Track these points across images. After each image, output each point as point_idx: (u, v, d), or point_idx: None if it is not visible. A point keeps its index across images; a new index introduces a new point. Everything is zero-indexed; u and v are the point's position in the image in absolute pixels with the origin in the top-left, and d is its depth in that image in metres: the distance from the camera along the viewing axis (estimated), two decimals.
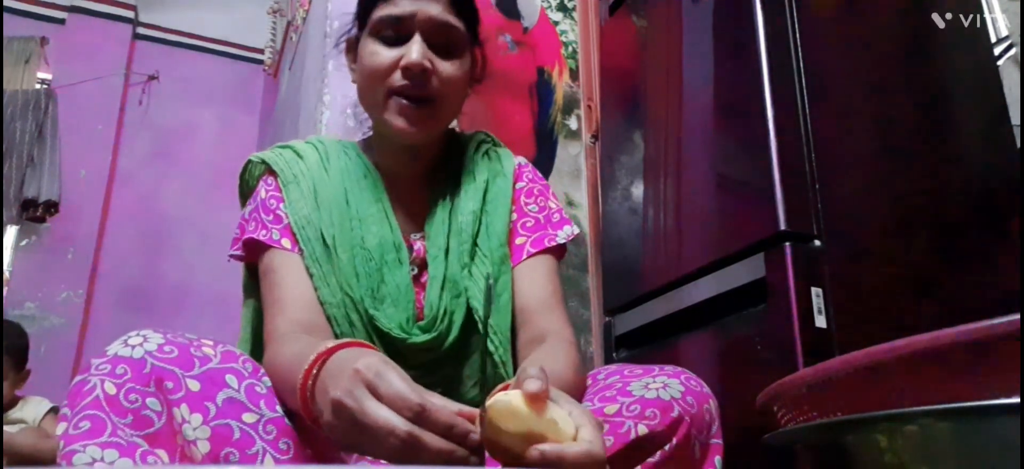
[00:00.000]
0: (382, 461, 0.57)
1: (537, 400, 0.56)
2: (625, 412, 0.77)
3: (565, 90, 2.44)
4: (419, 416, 0.53)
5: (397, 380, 0.55)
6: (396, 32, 0.89)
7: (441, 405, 0.55)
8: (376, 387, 0.55)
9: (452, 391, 0.89)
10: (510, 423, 0.56)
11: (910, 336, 0.56)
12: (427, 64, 0.88)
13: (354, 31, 0.98)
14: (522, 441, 0.56)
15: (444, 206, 0.95)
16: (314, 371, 0.63)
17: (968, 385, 0.52)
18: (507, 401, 0.57)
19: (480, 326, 0.89)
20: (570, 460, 0.54)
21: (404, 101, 0.88)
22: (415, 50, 0.87)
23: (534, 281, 0.93)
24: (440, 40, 0.90)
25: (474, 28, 0.96)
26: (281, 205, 0.91)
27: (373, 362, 0.57)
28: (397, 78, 0.88)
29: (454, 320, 0.89)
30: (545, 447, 0.54)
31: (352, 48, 0.98)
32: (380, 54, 0.89)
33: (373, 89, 0.91)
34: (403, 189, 0.97)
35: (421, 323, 0.87)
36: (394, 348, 0.86)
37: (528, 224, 0.98)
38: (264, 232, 0.88)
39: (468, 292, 0.90)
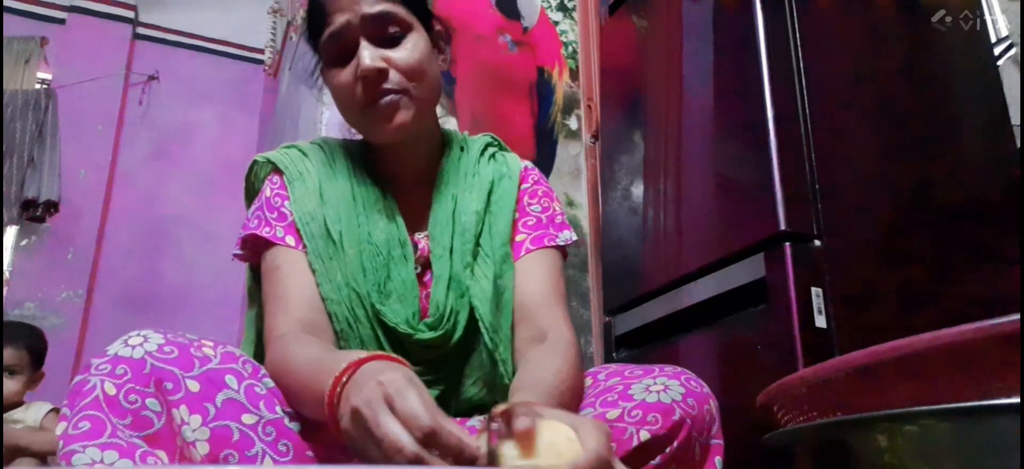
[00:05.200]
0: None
1: (527, 437, 0.57)
2: (627, 418, 0.77)
3: (565, 90, 2.44)
4: (429, 437, 0.54)
5: (414, 399, 0.56)
6: (343, 48, 0.89)
7: (453, 429, 0.55)
8: (393, 402, 0.56)
9: (454, 389, 0.89)
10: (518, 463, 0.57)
11: (910, 336, 0.56)
12: (380, 65, 0.86)
13: (320, 63, 0.97)
14: None
15: (448, 206, 0.95)
16: (344, 379, 0.63)
17: (968, 385, 0.52)
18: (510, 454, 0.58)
19: (481, 326, 0.89)
20: None
21: (376, 107, 0.88)
22: (365, 56, 0.86)
23: (534, 277, 0.93)
24: (384, 32, 0.88)
25: (417, 3, 0.94)
26: (286, 202, 0.91)
27: (396, 377, 0.58)
28: (360, 91, 0.87)
29: (459, 319, 0.89)
30: None
31: (323, 77, 0.98)
32: (339, 77, 0.89)
33: (347, 111, 0.91)
34: (406, 189, 0.97)
35: (427, 320, 0.87)
36: (399, 344, 0.86)
37: (530, 222, 0.98)
38: (268, 229, 0.88)
39: (470, 291, 0.90)
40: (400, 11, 0.90)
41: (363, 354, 0.65)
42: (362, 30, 0.88)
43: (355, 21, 0.87)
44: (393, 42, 0.89)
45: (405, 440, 0.54)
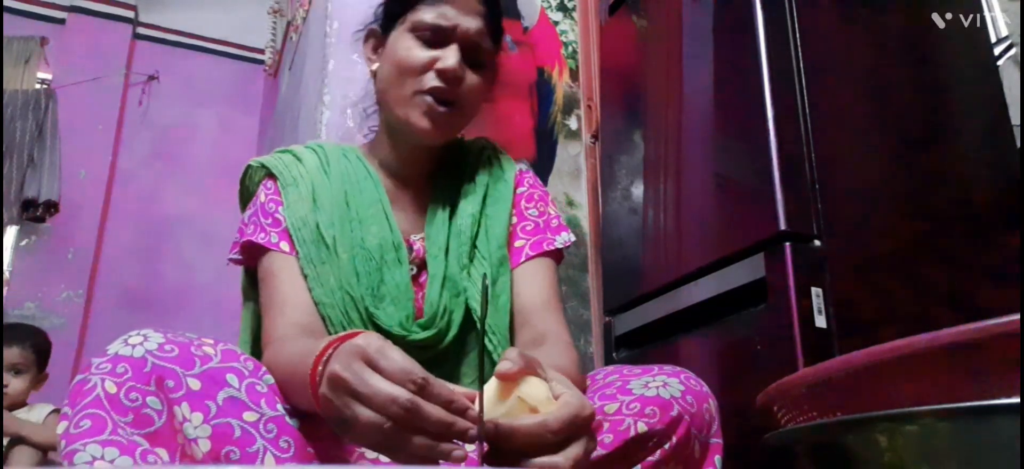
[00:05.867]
0: (382, 459, 0.57)
1: (508, 379, 0.59)
2: (625, 410, 0.77)
3: (565, 90, 2.44)
4: (421, 389, 0.55)
5: (399, 355, 0.57)
6: (433, 33, 0.93)
7: (442, 382, 0.57)
8: (377, 362, 0.56)
9: None
10: (493, 411, 0.59)
11: (910, 336, 0.56)
12: (462, 72, 0.92)
13: (378, 23, 1.01)
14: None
15: (444, 208, 0.97)
16: (325, 357, 0.63)
17: (968, 385, 0.52)
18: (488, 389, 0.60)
19: (478, 325, 0.89)
20: (554, 426, 0.57)
21: (431, 100, 0.92)
22: (452, 57, 0.91)
23: (533, 283, 0.94)
24: (472, 54, 0.94)
25: (499, 48, 1.02)
26: (280, 208, 0.92)
27: (374, 340, 0.58)
28: (430, 78, 0.92)
29: (453, 319, 0.90)
30: (525, 420, 0.57)
31: (374, 38, 1.00)
32: (416, 52, 0.92)
33: (402, 83, 0.93)
34: (403, 190, 0.98)
35: (421, 321, 0.88)
36: None
37: (528, 228, 0.99)
38: (263, 235, 0.89)
39: (466, 292, 0.91)
40: (490, 49, 0.97)
41: (343, 334, 0.66)
42: (460, 40, 0.93)
43: (461, 30, 0.93)
44: (472, 65, 0.95)
45: (398, 391, 0.54)
